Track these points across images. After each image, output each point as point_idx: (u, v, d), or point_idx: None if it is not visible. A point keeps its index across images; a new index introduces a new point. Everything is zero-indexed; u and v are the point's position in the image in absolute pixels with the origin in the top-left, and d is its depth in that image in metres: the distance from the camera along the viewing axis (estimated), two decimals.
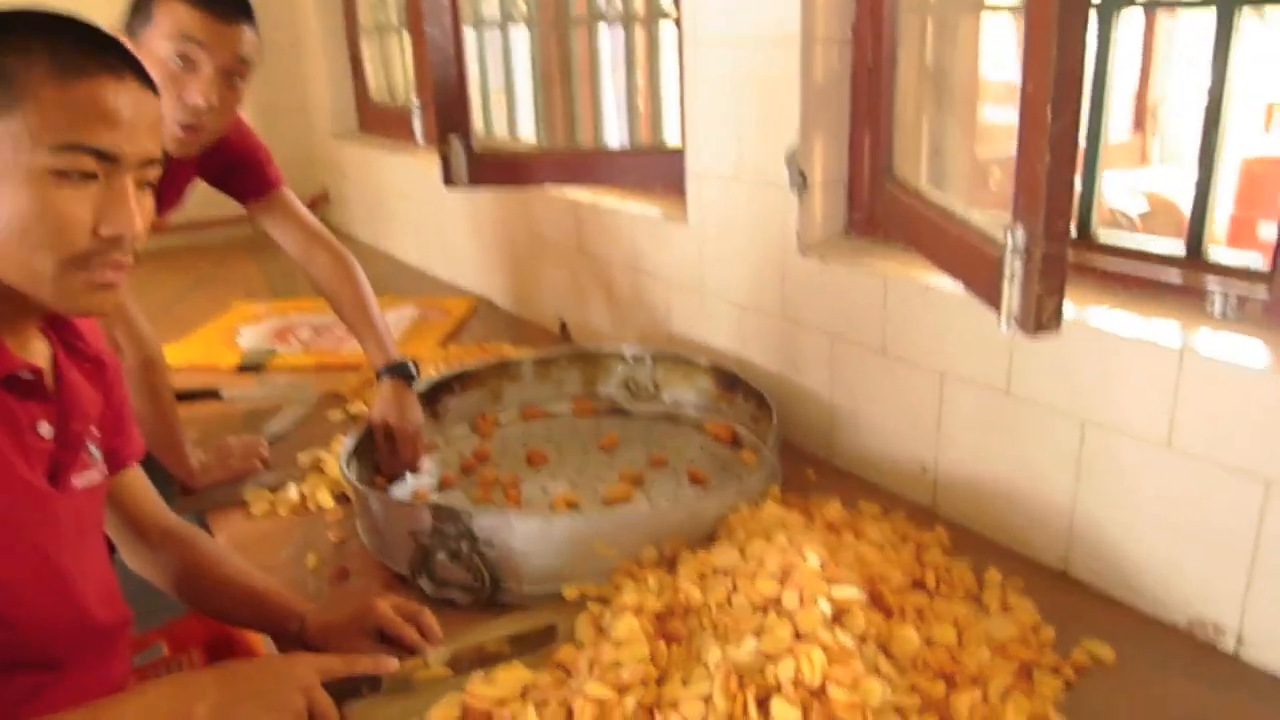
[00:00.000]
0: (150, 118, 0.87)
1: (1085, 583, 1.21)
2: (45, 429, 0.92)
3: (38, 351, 0.94)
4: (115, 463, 1.08)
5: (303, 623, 1.11)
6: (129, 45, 0.90)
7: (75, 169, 0.82)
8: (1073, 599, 1.18)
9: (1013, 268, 0.97)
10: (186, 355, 2.18)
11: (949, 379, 1.33)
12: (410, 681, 1.05)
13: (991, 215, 1.12)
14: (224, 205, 1.73)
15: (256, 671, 0.92)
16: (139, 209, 0.87)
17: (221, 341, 2.28)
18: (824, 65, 1.47)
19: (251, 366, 2.11)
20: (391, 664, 1.03)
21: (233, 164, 1.63)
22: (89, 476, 0.98)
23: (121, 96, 0.84)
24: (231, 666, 0.93)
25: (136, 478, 1.16)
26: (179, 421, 1.55)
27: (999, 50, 1.31)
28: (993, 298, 1.02)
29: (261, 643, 1.41)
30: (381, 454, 1.50)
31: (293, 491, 1.53)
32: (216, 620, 1.26)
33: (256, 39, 1.40)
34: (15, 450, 0.88)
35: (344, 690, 1.00)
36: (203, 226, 3.18)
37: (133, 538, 1.17)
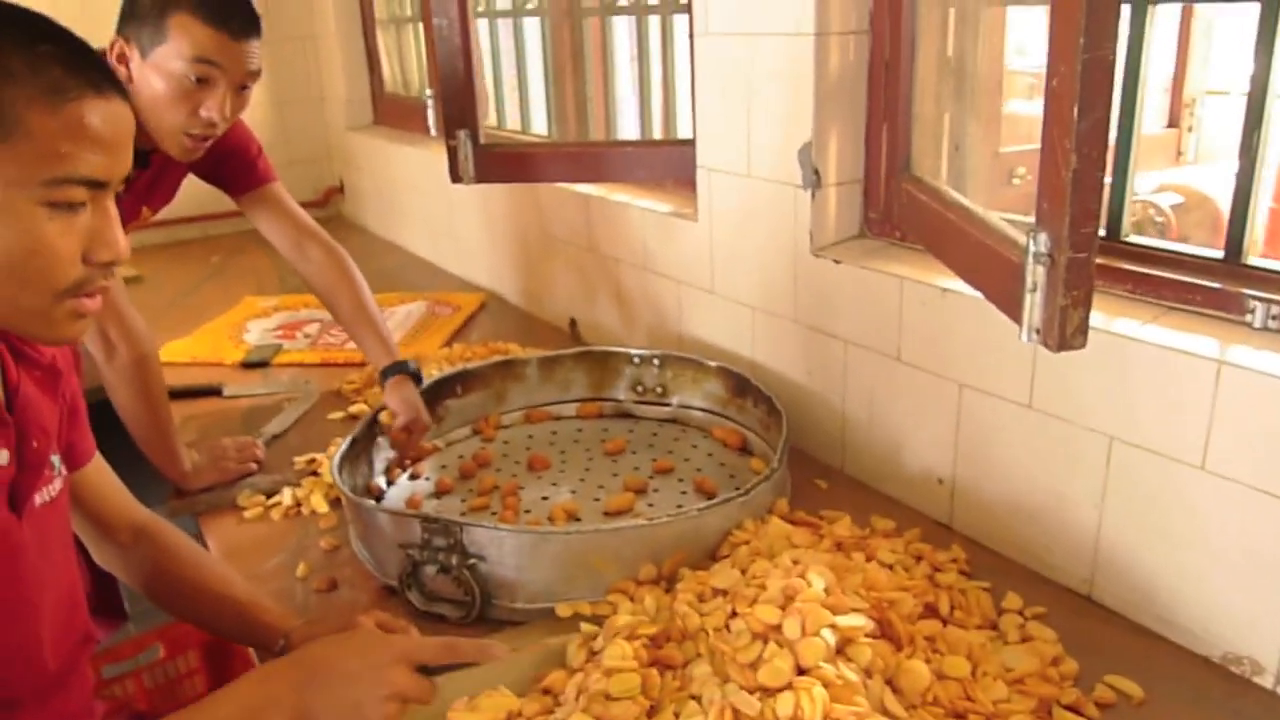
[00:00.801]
0: (129, 131, 0.82)
1: (1112, 610, 1.14)
2: (2, 456, 0.86)
3: None
4: (72, 460, 1.03)
5: (287, 640, 1.05)
6: (106, 53, 0.85)
7: (65, 200, 0.78)
8: (1098, 628, 1.11)
9: (1035, 275, 0.90)
10: (192, 350, 2.15)
11: (967, 389, 1.26)
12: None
13: (1015, 218, 1.05)
14: None
15: (340, 677, 0.87)
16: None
17: (228, 336, 2.25)
18: (839, 58, 1.41)
19: (256, 363, 2.08)
20: (499, 650, 0.98)
21: (223, 156, 1.59)
22: (51, 489, 0.93)
23: (107, 115, 0.79)
24: (314, 661, 0.88)
25: (97, 472, 1.10)
26: (172, 421, 1.52)
27: (1024, 41, 1.24)
28: (1013, 308, 0.95)
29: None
30: (397, 443, 1.49)
31: (287, 496, 1.48)
32: (193, 627, 1.20)
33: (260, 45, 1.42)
34: None
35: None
36: (215, 218, 3.15)
37: (100, 535, 1.11)
